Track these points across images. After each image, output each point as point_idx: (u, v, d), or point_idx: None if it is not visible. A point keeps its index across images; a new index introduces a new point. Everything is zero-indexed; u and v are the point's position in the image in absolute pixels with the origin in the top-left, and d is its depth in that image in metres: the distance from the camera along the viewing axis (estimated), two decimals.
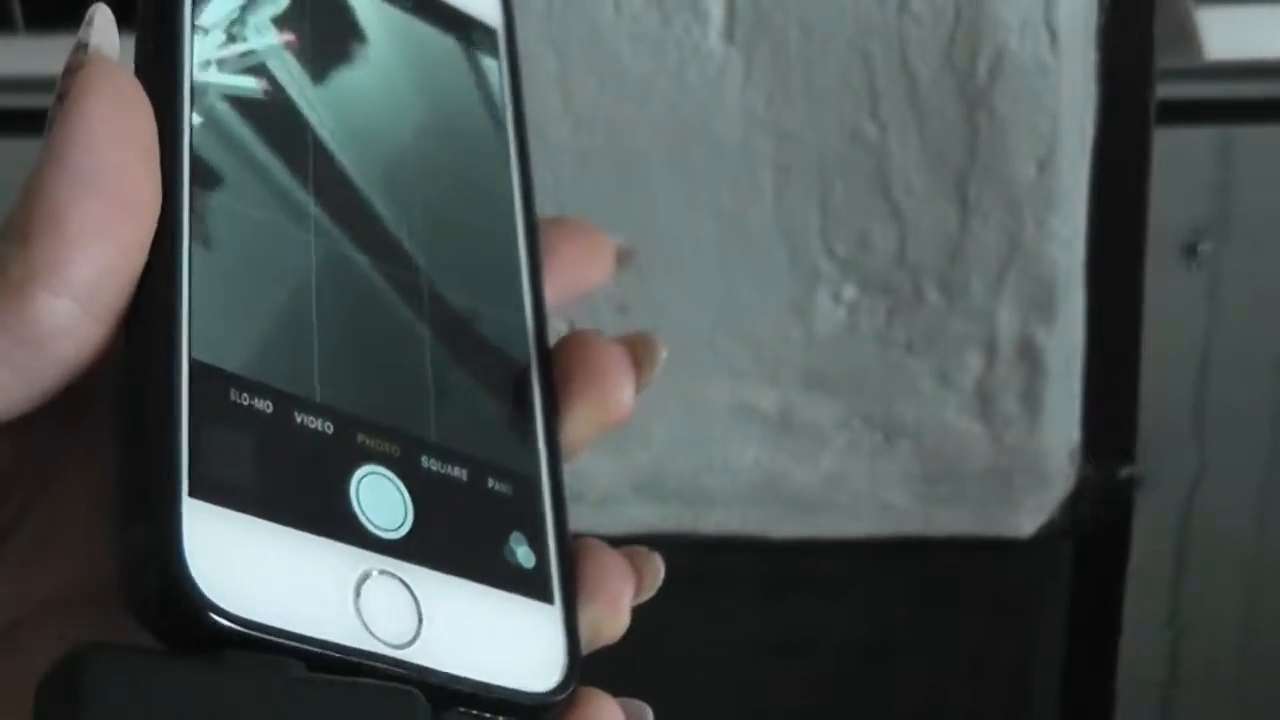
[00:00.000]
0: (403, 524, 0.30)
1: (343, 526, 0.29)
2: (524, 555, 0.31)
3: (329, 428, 0.29)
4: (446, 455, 0.31)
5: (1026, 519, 0.77)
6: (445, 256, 0.33)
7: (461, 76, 0.36)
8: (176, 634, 0.26)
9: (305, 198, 0.31)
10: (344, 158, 0.32)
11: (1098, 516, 0.77)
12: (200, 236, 0.29)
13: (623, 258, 0.36)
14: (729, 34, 0.67)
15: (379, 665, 0.28)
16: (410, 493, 0.30)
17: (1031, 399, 0.74)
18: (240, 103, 0.31)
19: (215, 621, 0.26)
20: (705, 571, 0.76)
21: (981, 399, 0.74)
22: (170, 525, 0.26)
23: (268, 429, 0.29)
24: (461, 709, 0.29)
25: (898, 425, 0.75)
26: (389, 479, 0.30)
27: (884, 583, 0.79)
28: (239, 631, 0.26)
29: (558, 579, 0.31)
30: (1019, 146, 0.68)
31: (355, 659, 0.28)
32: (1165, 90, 0.69)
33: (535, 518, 0.32)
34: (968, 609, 0.80)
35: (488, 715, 0.29)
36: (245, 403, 0.29)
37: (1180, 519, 0.82)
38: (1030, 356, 0.73)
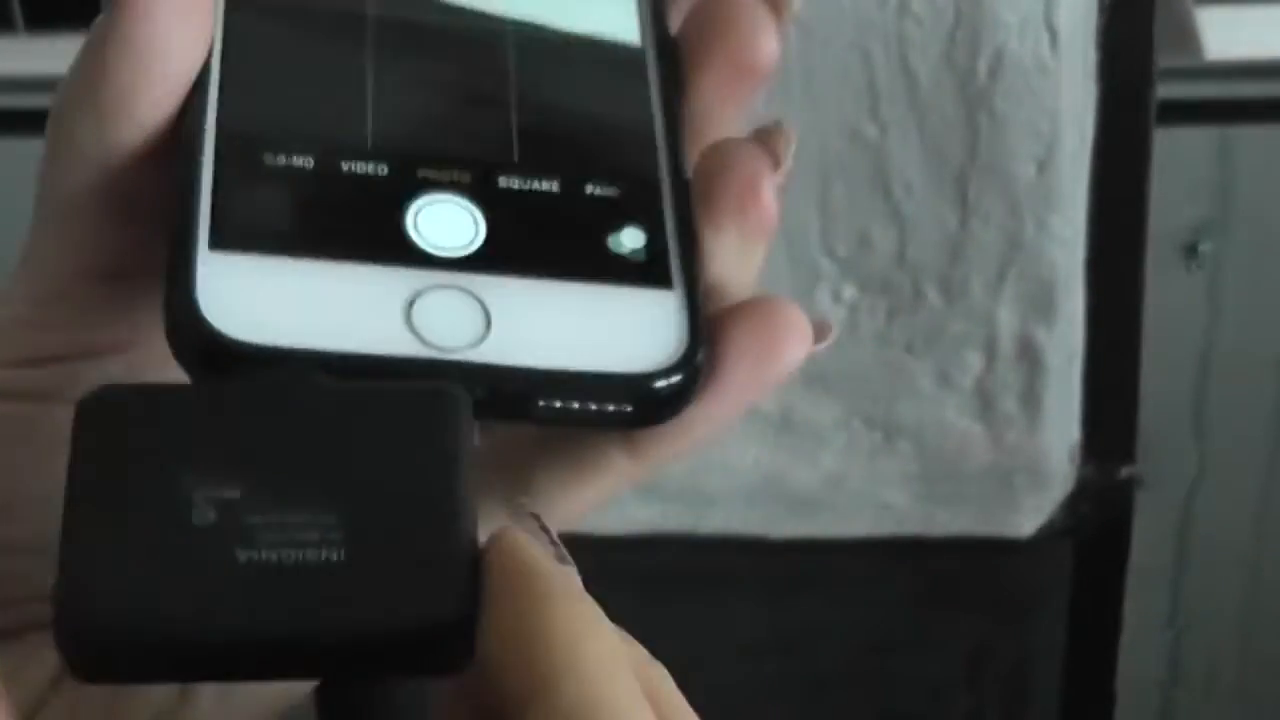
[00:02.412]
0: (471, 242, 0.30)
1: (394, 252, 0.29)
2: (634, 247, 0.31)
3: (382, 170, 0.31)
4: (532, 171, 0.31)
5: (1026, 519, 0.77)
6: None
7: None
8: (205, 374, 0.28)
9: None
10: None
11: (1098, 516, 0.77)
12: (246, 8, 0.32)
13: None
14: None
15: (426, 367, 0.28)
16: (484, 213, 0.30)
17: (1031, 399, 0.74)
18: None
19: (229, 349, 0.27)
20: (705, 571, 0.76)
21: (981, 399, 0.74)
22: (185, 277, 0.28)
23: (308, 180, 0.30)
24: (550, 402, 0.29)
25: (898, 425, 0.75)
26: (455, 203, 0.31)
27: (884, 583, 0.79)
28: (258, 354, 0.28)
29: (678, 265, 0.31)
30: (1019, 146, 0.68)
31: (398, 365, 0.28)
32: (1165, 90, 0.69)
33: (650, 209, 0.32)
34: (968, 609, 0.80)
35: (597, 406, 0.29)
36: (282, 161, 0.30)
37: (1180, 519, 0.82)
38: (1030, 356, 0.73)
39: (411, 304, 0.29)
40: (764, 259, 0.32)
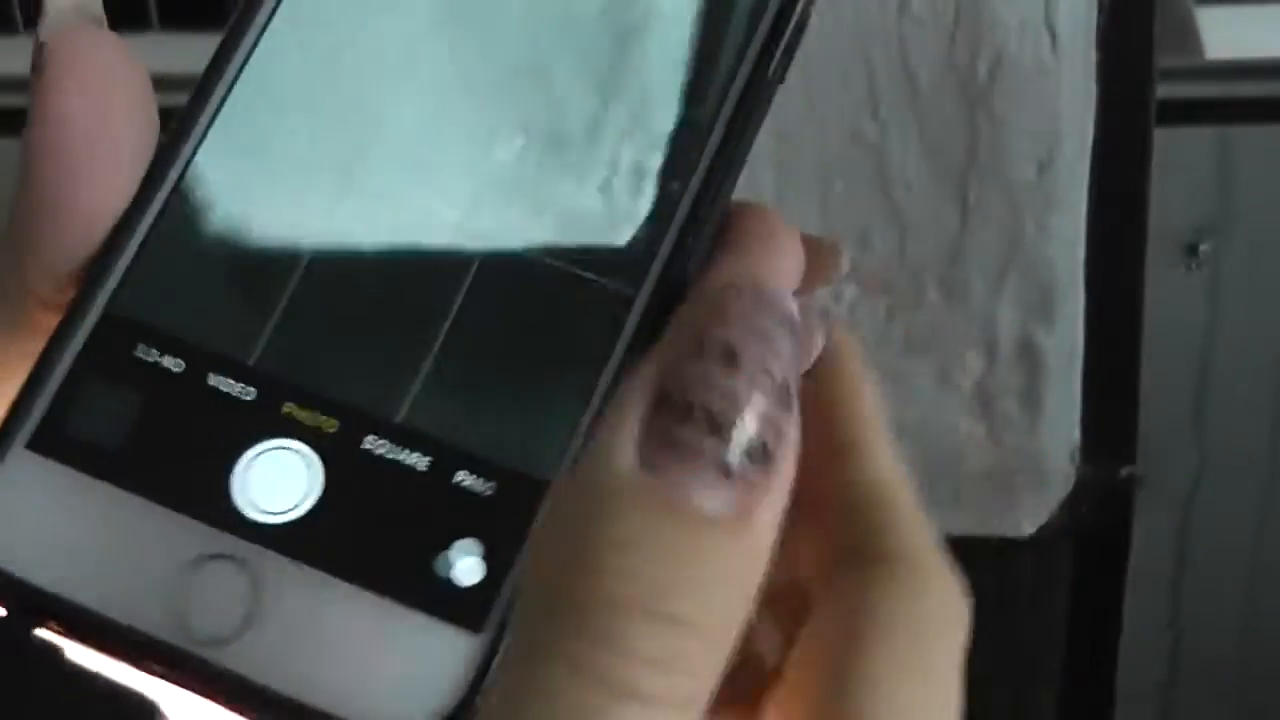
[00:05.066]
0: (294, 509, 0.27)
1: (205, 503, 0.27)
2: (465, 570, 0.27)
3: (248, 394, 0.28)
4: (407, 439, 0.28)
5: (1026, 519, 0.77)
6: (546, 196, 0.29)
7: None
8: None
9: (342, 125, 0.29)
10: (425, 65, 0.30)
11: (1098, 516, 0.77)
12: (188, 183, 0.29)
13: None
14: None
15: (165, 653, 0.26)
16: (327, 476, 0.27)
17: (1031, 399, 0.74)
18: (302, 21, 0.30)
19: None
20: None
21: (981, 399, 0.74)
22: None
23: (167, 389, 0.28)
24: None
25: (898, 425, 0.75)
26: (300, 457, 0.28)
27: None
28: (15, 588, 0.26)
29: (501, 606, 0.27)
30: (1019, 146, 0.68)
31: (141, 642, 0.26)
32: (1165, 90, 0.69)
33: (511, 529, 0.27)
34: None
35: None
36: (150, 359, 0.28)
37: (1180, 519, 0.82)
38: (1030, 356, 0.73)
39: (192, 569, 0.26)
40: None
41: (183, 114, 0.29)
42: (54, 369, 0.28)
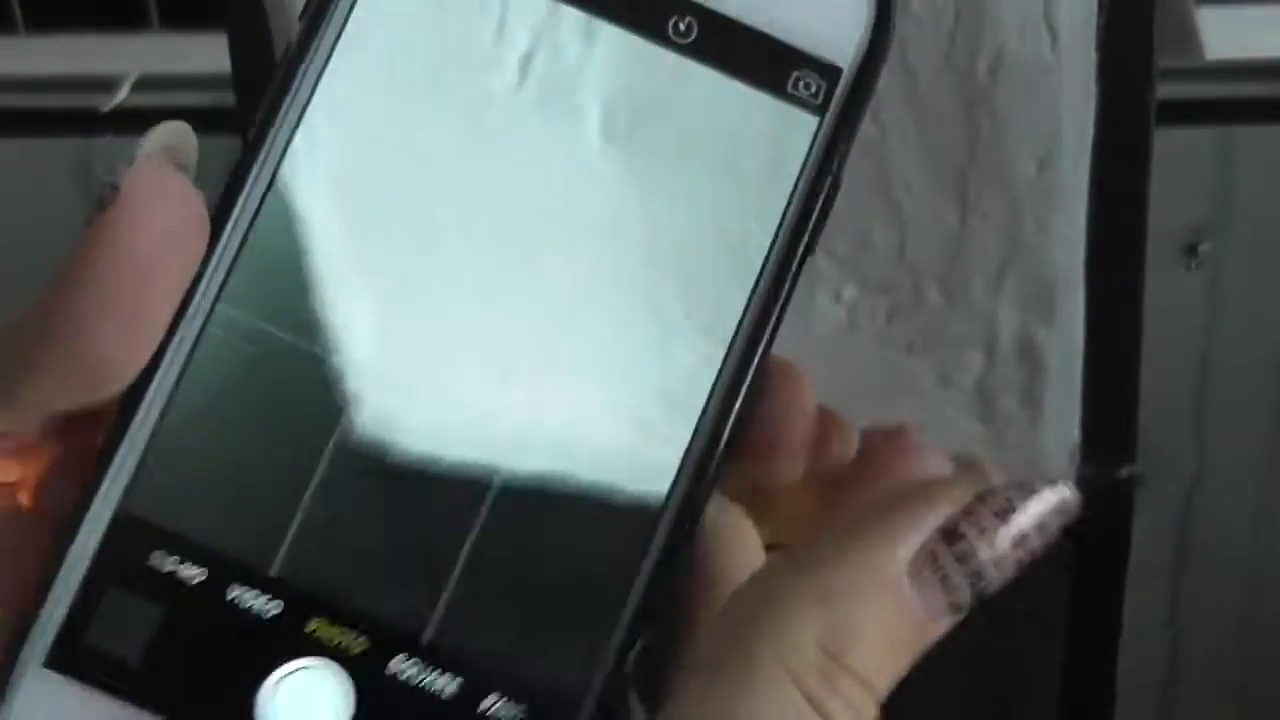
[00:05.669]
0: None
1: None
2: None
3: (273, 608, 0.26)
4: (436, 658, 0.26)
5: None
6: (576, 388, 0.28)
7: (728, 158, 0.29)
8: None
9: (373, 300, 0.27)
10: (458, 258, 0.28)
11: (1098, 516, 0.77)
12: (202, 363, 0.27)
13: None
14: None
15: None
16: (357, 699, 0.26)
17: (1031, 399, 0.74)
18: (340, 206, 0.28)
19: None
20: None
21: (981, 399, 0.74)
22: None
23: (187, 602, 0.26)
24: None
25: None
26: (332, 681, 0.26)
27: None
28: None
29: None
30: (1019, 146, 0.68)
31: None
32: (1165, 90, 0.69)
33: None
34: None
35: None
36: (167, 568, 0.26)
37: (1180, 519, 0.82)
38: (1030, 356, 0.73)
39: None
40: None
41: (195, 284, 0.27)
42: (67, 577, 0.26)
